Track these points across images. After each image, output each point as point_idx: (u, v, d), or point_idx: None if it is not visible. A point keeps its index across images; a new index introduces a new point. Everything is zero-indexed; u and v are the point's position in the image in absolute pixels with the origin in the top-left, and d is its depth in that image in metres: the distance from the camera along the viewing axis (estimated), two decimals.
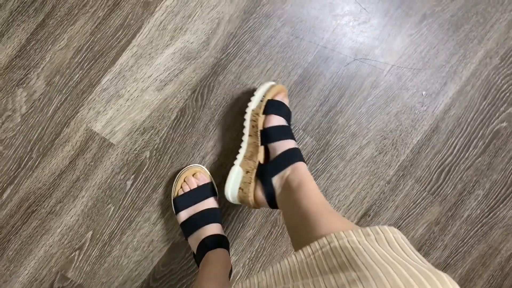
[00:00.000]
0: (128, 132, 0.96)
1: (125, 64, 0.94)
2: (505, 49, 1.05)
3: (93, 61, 0.93)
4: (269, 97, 0.88)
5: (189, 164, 0.97)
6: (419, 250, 1.10)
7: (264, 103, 0.87)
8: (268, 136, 0.85)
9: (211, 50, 0.96)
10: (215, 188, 0.96)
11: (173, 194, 0.93)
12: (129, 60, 0.94)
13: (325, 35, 0.99)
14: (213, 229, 0.88)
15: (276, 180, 0.80)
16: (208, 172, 0.96)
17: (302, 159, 0.82)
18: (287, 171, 0.79)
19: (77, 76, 0.93)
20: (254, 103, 0.89)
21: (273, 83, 0.92)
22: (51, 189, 0.94)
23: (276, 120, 0.86)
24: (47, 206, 0.95)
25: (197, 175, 0.93)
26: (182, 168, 0.96)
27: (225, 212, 1.01)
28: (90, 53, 0.93)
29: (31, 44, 0.91)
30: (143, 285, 0.99)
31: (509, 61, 1.05)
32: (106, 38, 0.93)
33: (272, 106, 0.87)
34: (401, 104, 1.04)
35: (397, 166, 1.06)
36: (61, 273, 0.98)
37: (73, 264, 0.98)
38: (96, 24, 0.93)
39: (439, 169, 1.06)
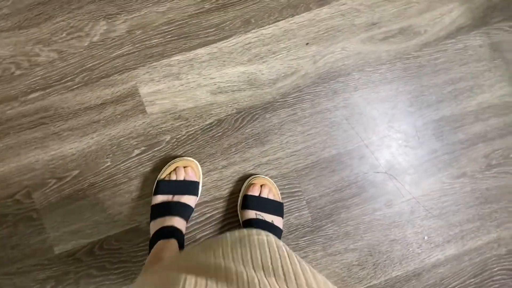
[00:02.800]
0: (165, 111, 0.99)
1: (200, 57, 0.99)
2: None
3: (176, 38, 0.99)
4: (244, 192, 0.97)
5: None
6: None
7: (241, 198, 0.98)
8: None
9: (273, 89, 1.01)
10: (199, 189, 0.97)
11: (160, 176, 0.95)
12: (204, 56, 0.99)
13: (373, 137, 1.03)
14: (176, 221, 0.89)
15: None
16: (201, 171, 0.98)
17: None
18: None
19: (155, 40, 0.98)
20: (239, 199, 0.99)
21: (254, 176, 0.98)
22: (70, 115, 0.97)
23: (246, 214, 0.95)
24: (57, 127, 0.97)
25: (188, 169, 0.95)
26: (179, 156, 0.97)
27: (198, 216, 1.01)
28: (178, 30, 0.99)
29: None
30: (88, 246, 0.98)
31: None
32: (198, 27, 0.99)
33: (245, 201, 0.96)
34: (401, 235, 1.05)
35: (366, 286, 1.05)
36: (28, 189, 0.98)
37: (44, 189, 0.98)
38: (198, 11, 0.99)
39: None
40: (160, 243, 0.84)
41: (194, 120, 1.00)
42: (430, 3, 1.04)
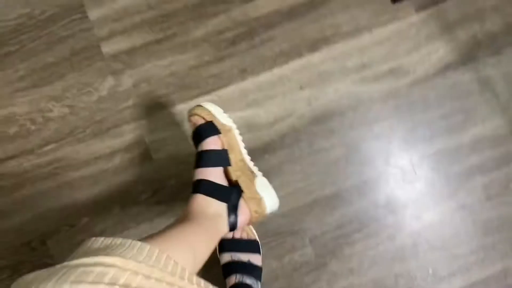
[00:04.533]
0: (169, 157, 1.05)
1: None
2: None
3: (178, 88, 1.06)
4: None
5: None
6: None
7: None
8: (223, 273, 0.97)
9: (271, 131, 1.06)
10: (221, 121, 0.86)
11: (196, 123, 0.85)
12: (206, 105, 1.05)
13: (371, 173, 1.07)
14: (218, 174, 0.80)
15: None
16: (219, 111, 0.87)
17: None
18: None
19: (159, 92, 1.05)
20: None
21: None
22: (82, 165, 1.04)
23: (222, 258, 0.96)
24: (70, 177, 1.04)
25: (202, 113, 0.84)
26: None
27: None
28: (180, 81, 1.06)
29: (141, 50, 1.06)
30: None
31: None
32: (199, 77, 1.06)
33: (220, 245, 0.97)
34: (405, 269, 1.06)
35: None
36: (43, 237, 1.04)
37: (57, 236, 1.03)
38: (198, 64, 1.07)
39: None
40: (197, 199, 0.75)
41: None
42: (417, 43, 1.09)
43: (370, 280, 1.06)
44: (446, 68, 1.09)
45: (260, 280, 0.97)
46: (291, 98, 1.07)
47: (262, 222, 1.05)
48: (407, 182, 1.07)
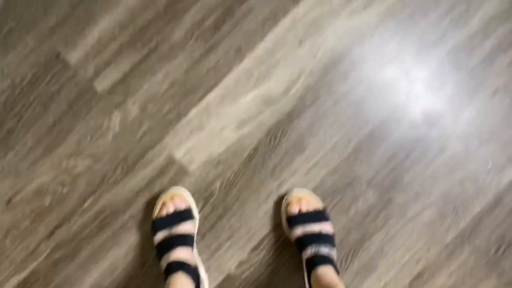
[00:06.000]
0: (204, 163, 1.03)
1: (212, 101, 1.03)
2: None
3: (183, 95, 1.03)
4: (284, 213, 1.00)
5: (249, 199, 1.02)
6: None
7: (285, 220, 1.01)
8: (297, 247, 0.99)
9: (289, 98, 1.04)
10: (193, 211, 0.99)
11: (153, 216, 0.99)
12: (215, 98, 1.03)
13: (398, 97, 1.05)
14: (179, 253, 0.92)
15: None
16: (188, 195, 1.00)
17: (320, 264, 0.90)
18: (312, 279, 0.90)
19: (167, 107, 1.03)
20: (283, 221, 1.02)
21: (287, 196, 1.02)
22: (126, 205, 1.02)
23: (294, 234, 0.98)
24: (120, 221, 1.03)
25: (175, 199, 0.98)
26: (164, 191, 1.01)
27: None
28: (183, 88, 1.03)
29: (133, 73, 1.03)
30: None
31: None
32: (199, 76, 1.03)
33: (288, 222, 0.99)
34: (466, 173, 1.06)
35: (456, 232, 1.06)
36: (121, 286, 1.04)
37: (132, 281, 1.04)
38: (191, 63, 1.03)
39: (499, 242, 1.06)
40: (169, 279, 0.87)
41: (232, 159, 1.03)
42: None
43: (439, 196, 1.06)
44: None
45: (334, 246, 0.98)
46: (294, 57, 1.04)
47: (315, 187, 1.04)
48: (435, 90, 1.06)
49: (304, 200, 1.00)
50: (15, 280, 1.02)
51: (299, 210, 0.99)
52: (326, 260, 0.92)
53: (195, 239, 0.99)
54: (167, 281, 0.88)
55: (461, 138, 1.06)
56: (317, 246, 0.94)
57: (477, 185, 1.06)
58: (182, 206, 0.98)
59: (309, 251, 0.94)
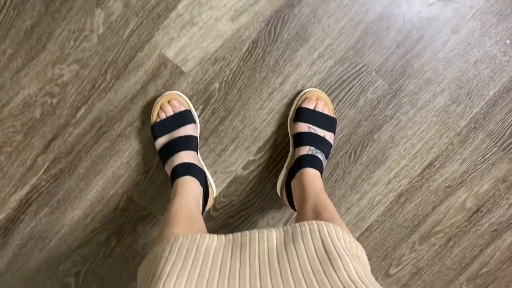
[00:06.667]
0: (200, 62, 0.95)
1: None
2: None
3: None
4: (299, 104, 0.95)
5: (251, 98, 0.97)
6: (481, 206, 1.08)
7: (293, 111, 0.95)
8: (294, 142, 0.94)
9: None
10: (193, 114, 0.95)
11: (151, 121, 0.94)
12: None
13: None
14: (184, 157, 0.89)
15: (292, 184, 0.89)
16: (186, 99, 0.95)
17: (310, 166, 0.87)
18: (296, 176, 0.87)
19: (153, 0, 0.92)
20: (291, 112, 0.97)
21: (309, 89, 0.95)
22: (122, 112, 0.96)
23: (298, 127, 0.93)
24: (117, 128, 0.97)
25: (172, 101, 0.92)
26: (160, 95, 0.94)
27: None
28: None
29: None
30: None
31: None
32: None
33: (298, 113, 0.93)
34: (482, 52, 0.99)
35: (469, 117, 1.02)
36: (127, 195, 1.01)
37: (139, 187, 1.01)
38: None
39: None
40: (176, 183, 0.84)
41: (230, 55, 0.95)
42: None
43: (452, 80, 1.00)
44: None
45: (327, 158, 0.94)
46: None
47: (322, 80, 0.97)
48: None
49: (322, 100, 0.95)
50: (17, 196, 0.99)
51: (314, 107, 0.93)
52: (318, 165, 0.89)
53: (198, 143, 0.95)
54: (174, 186, 0.85)
55: (477, 16, 0.97)
56: (316, 149, 0.91)
57: (493, 66, 0.99)
58: (181, 108, 0.92)
59: (307, 149, 0.91)
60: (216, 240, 0.59)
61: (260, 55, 0.96)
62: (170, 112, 0.92)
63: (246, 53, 0.96)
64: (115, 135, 0.98)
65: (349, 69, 0.97)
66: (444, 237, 1.11)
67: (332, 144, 0.96)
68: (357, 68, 0.98)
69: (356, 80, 0.98)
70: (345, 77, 0.98)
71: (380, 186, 1.05)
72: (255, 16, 0.94)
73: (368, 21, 0.95)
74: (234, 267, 0.54)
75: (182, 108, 0.93)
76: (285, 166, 0.98)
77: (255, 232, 0.60)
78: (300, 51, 0.96)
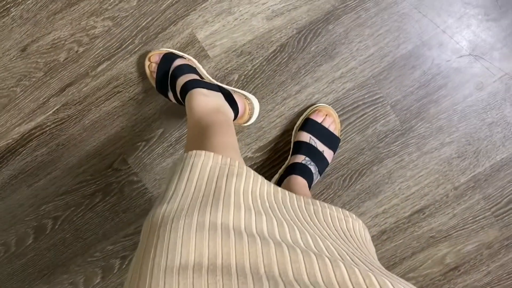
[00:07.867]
0: (226, 50, 0.98)
1: None
2: None
3: None
4: (308, 115, 0.96)
5: (265, 98, 0.98)
6: (460, 265, 1.07)
7: (301, 120, 0.97)
8: (293, 149, 0.97)
9: None
10: (176, 53, 0.93)
11: (153, 84, 0.94)
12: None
13: (449, 19, 0.95)
14: (185, 77, 0.85)
15: None
16: (165, 49, 0.94)
17: (299, 174, 0.90)
18: (284, 182, 0.91)
19: None
20: (299, 120, 0.98)
21: (322, 104, 0.97)
22: (140, 77, 0.99)
23: (300, 136, 0.95)
24: (132, 92, 1.00)
25: (151, 58, 0.93)
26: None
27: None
28: None
29: None
30: None
31: None
32: None
33: (305, 123, 0.95)
34: (500, 116, 0.99)
35: (471, 175, 1.02)
36: (123, 156, 1.04)
37: (136, 153, 1.03)
38: None
39: None
40: (191, 96, 0.78)
41: (256, 52, 0.97)
42: None
43: (462, 134, 1.00)
44: None
45: (321, 175, 0.95)
46: None
47: (337, 99, 0.98)
48: (492, 21, 0.95)
49: (331, 117, 0.96)
50: (21, 129, 1.03)
51: (322, 121, 0.95)
52: (308, 176, 0.91)
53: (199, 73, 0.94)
54: (186, 101, 0.78)
55: (504, 79, 0.97)
56: (311, 160, 0.92)
57: (507, 132, 0.99)
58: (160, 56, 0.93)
59: (302, 158, 0.93)
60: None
61: (285, 59, 0.98)
62: (157, 59, 0.93)
63: (272, 54, 0.97)
64: (127, 98, 1.00)
65: (366, 96, 0.98)
66: (416, 285, 1.10)
67: (330, 162, 0.97)
68: (374, 98, 0.98)
69: (370, 109, 0.99)
70: (360, 102, 0.99)
71: (366, 217, 1.05)
72: (289, 22, 0.96)
73: (396, 56, 0.96)
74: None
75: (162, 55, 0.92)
76: (279, 172, 0.99)
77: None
78: (323, 66, 0.97)
